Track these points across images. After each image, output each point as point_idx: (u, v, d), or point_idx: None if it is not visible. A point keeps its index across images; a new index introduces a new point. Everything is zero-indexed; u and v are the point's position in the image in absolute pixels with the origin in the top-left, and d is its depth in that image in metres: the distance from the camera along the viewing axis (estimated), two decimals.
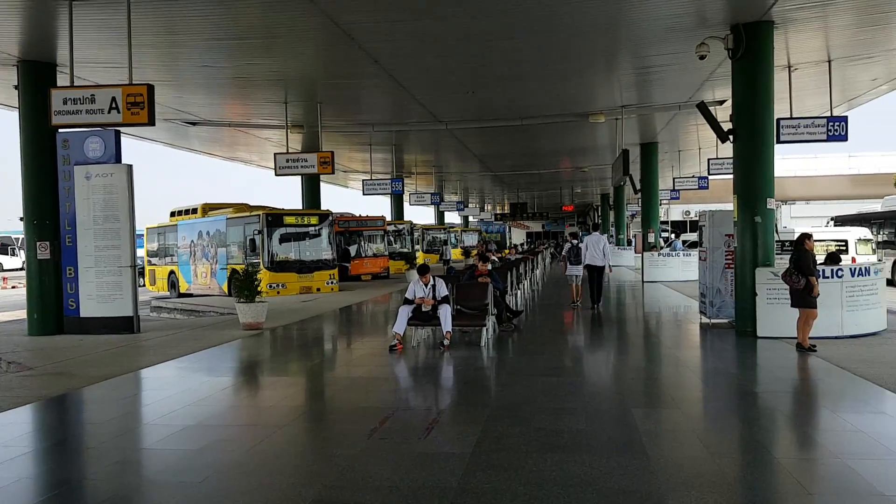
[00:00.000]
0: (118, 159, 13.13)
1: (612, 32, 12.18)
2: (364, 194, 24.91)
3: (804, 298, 9.73)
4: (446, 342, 10.79)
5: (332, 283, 23.39)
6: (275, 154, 17.57)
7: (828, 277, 10.62)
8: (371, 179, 24.84)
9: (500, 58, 13.44)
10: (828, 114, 15.11)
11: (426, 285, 11.08)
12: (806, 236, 9.88)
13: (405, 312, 10.95)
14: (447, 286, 11.28)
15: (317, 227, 23.98)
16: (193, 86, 15.62)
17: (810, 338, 9.89)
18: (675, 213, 56.83)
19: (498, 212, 63.44)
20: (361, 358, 10.92)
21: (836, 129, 14.48)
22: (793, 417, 6.78)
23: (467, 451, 5.60)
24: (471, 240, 55.41)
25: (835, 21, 12.03)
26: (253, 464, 5.46)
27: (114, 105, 10.27)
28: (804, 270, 9.74)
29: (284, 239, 23.26)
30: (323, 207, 25.56)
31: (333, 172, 17.98)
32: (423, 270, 11.20)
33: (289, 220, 23.35)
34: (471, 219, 65.32)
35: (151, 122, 10.19)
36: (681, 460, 5.33)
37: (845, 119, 14.64)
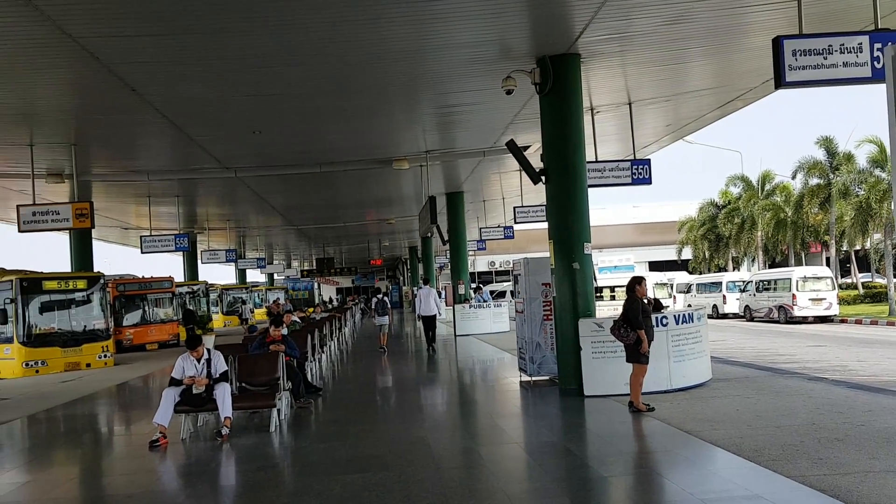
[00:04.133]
0: None
1: (410, 61, 10.88)
2: (143, 252, 21.83)
3: (637, 354, 8.71)
4: (225, 431, 8.64)
5: (105, 356, 20.20)
6: (17, 206, 14.45)
7: (653, 326, 9.76)
8: (150, 235, 21.87)
9: (284, 89, 11.61)
10: (632, 157, 14.88)
11: (198, 360, 8.90)
12: (637, 281, 8.91)
13: (170, 397, 8.68)
14: (227, 359, 9.19)
15: (85, 293, 20.74)
16: None
17: (641, 393, 8.90)
18: (480, 264, 57.41)
19: (305, 268, 60.88)
20: (111, 462, 8.51)
21: (640, 173, 14.23)
22: None
23: None
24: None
25: (638, 57, 11.63)
26: None
27: None
28: (633, 323, 8.75)
29: (45, 308, 19.99)
30: (114, 271, 22.31)
31: (93, 226, 15.11)
32: (194, 343, 8.96)
33: (49, 284, 20.00)
34: (276, 276, 62.14)
35: None
36: None
37: (648, 162, 14.45)
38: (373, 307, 21.62)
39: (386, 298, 21.57)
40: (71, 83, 10.92)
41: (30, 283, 19.42)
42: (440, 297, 34.38)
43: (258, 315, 44.00)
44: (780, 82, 7.74)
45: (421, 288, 20.26)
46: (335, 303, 55.14)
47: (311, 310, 27.36)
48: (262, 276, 61.37)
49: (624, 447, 7.51)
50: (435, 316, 19.37)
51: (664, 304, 10.73)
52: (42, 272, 20.79)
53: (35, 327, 19.47)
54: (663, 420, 8.24)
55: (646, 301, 9.19)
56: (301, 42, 9.61)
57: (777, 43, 7.68)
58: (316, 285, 68.95)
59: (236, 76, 10.78)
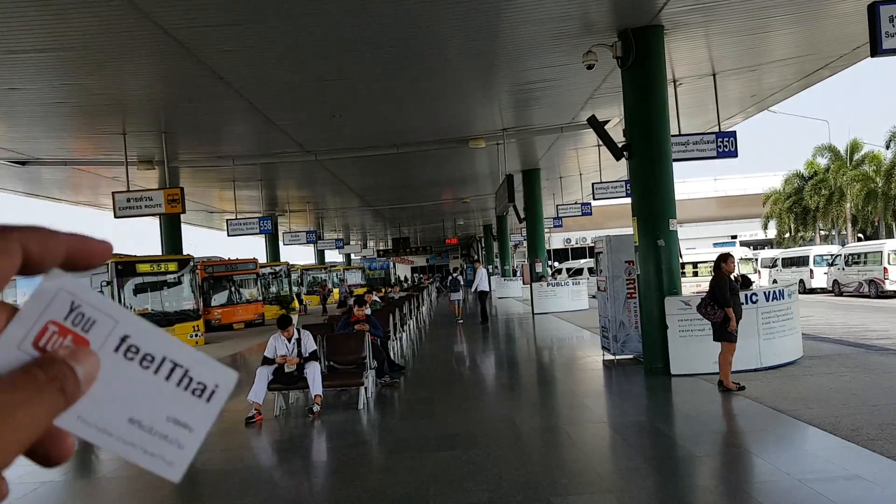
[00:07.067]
0: None
1: (487, 40, 10.79)
2: (229, 235, 22.53)
3: (725, 332, 8.53)
4: (316, 408, 8.91)
5: (196, 335, 20.96)
6: (113, 193, 15.11)
7: (741, 303, 9.53)
8: (236, 219, 22.55)
9: (363, 72, 11.70)
10: (716, 129, 14.44)
11: (289, 340, 9.19)
12: (723, 258, 8.70)
13: (264, 375, 9.00)
14: (315, 339, 9.45)
15: (176, 275, 21.57)
16: (13, 115, 13.09)
17: (731, 372, 8.71)
18: (556, 241, 56.98)
19: (381, 248, 61.70)
20: (208, 438, 8.76)
21: (725, 145, 13.78)
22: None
23: None
24: (354, 278, 53.24)
25: (722, 26, 11.21)
26: None
27: None
28: (720, 301, 8.56)
29: (139, 289, 20.89)
30: (200, 253, 23.27)
31: (184, 211, 15.69)
32: (285, 323, 9.25)
33: (142, 267, 20.84)
34: (353, 256, 63.28)
35: None
36: None
37: (734, 134, 13.99)
38: (447, 285, 25.46)
39: (459, 277, 24.56)
40: (161, 73, 11.29)
41: (124, 267, 20.28)
42: (515, 275, 35.73)
43: (335, 295, 44.53)
44: (876, 50, 7.36)
45: (477, 270, 23.57)
46: (409, 282, 55.76)
47: (383, 290, 27.93)
48: (339, 257, 62.57)
49: (715, 426, 7.39)
50: (487, 291, 22.71)
51: (752, 280, 10.42)
52: (135, 255, 21.74)
53: (130, 308, 20.40)
54: (754, 399, 8.06)
55: (733, 278, 8.98)
56: (376, 28, 9.65)
57: (873, 9, 7.30)
58: (392, 265, 69.90)
59: (316, 62, 10.93)
